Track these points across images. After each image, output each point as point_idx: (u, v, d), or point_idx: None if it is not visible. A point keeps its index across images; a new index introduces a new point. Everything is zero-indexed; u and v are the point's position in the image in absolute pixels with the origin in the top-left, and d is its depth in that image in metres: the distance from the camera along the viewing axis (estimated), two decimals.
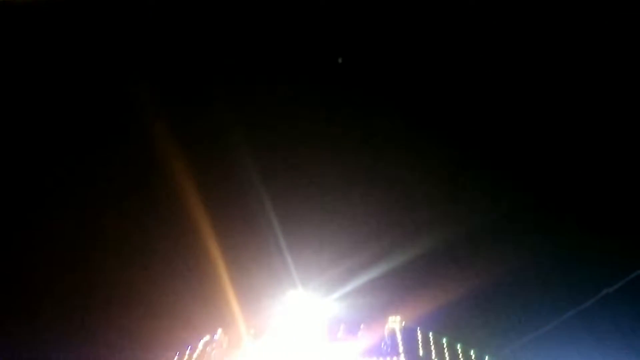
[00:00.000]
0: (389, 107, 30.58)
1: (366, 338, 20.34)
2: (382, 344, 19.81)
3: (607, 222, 27.60)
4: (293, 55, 31.15)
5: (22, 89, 29.92)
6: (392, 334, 20.25)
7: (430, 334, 20.16)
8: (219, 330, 22.16)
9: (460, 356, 18.82)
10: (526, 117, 30.01)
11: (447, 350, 19.30)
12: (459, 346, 19.18)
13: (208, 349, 21.39)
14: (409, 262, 25.82)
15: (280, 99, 30.71)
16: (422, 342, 19.96)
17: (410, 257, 25.60)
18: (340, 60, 29.75)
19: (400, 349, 19.27)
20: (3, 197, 28.91)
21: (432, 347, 19.65)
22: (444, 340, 19.61)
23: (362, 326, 21.06)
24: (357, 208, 30.88)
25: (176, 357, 20.82)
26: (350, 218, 30.24)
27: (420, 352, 19.59)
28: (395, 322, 20.75)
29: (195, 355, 20.87)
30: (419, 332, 20.24)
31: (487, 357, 18.14)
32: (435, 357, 19.31)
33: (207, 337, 21.78)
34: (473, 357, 18.48)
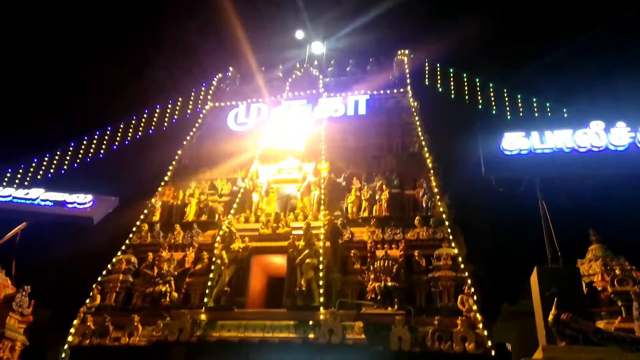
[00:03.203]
0: None
1: (375, 72, 20.75)
2: (390, 76, 20.30)
3: None
4: None
5: None
6: (401, 67, 20.59)
7: (438, 65, 20.49)
8: (231, 69, 22.70)
9: (465, 85, 19.42)
10: None
11: (453, 79, 19.85)
12: (464, 75, 19.65)
13: (222, 85, 22.25)
14: None
15: None
16: (429, 73, 20.45)
17: None
18: None
19: (408, 80, 19.82)
20: None
21: (439, 78, 20.21)
22: (451, 70, 20.00)
23: (371, 60, 21.28)
24: None
25: (193, 94, 21.89)
26: None
27: (427, 82, 20.27)
28: (403, 56, 20.90)
29: (210, 92, 21.86)
30: (426, 63, 20.55)
31: (490, 84, 18.72)
32: (441, 87, 20.02)
33: (219, 75, 22.47)
34: (478, 86, 19.08)
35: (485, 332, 12.63)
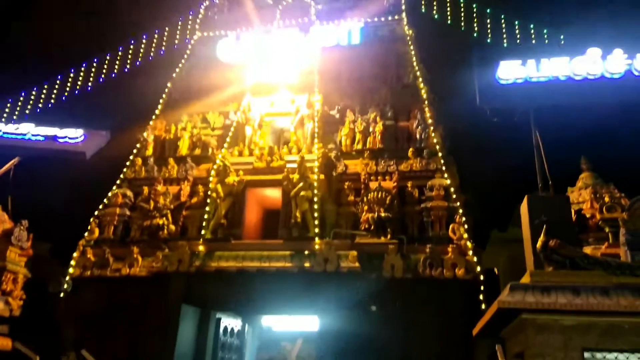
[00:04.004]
0: None
1: None
2: (385, 2, 19.55)
3: None
4: None
5: None
6: None
7: None
8: None
9: (462, 11, 18.80)
10: None
11: (450, 5, 19.18)
12: (461, 0, 18.98)
13: (210, 13, 21.42)
14: None
15: None
16: None
17: None
18: None
19: (403, 7, 19.13)
20: None
21: (434, 3, 19.54)
22: None
23: None
24: None
25: (180, 22, 21.12)
26: None
27: (423, 9, 19.62)
28: None
29: (198, 21, 21.08)
30: None
31: (488, 10, 18.14)
32: (437, 13, 19.39)
33: (206, 2, 21.57)
34: (474, 11, 18.44)
35: (475, 259, 13.07)
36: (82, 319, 13.98)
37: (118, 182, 16.47)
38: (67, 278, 14.59)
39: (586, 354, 7.26)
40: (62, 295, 14.60)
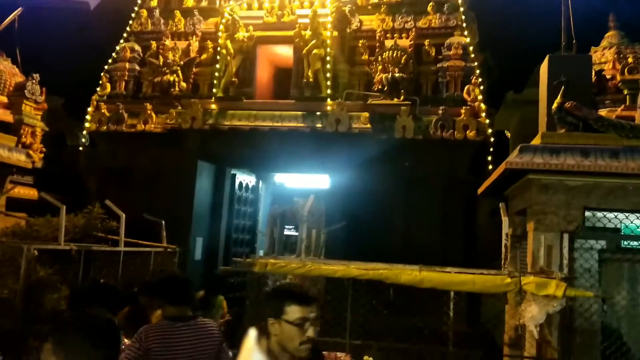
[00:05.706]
0: None
1: None
2: None
3: None
4: None
5: None
6: None
7: None
8: None
9: None
10: None
11: None
12: None
13: None
14: None
15: None
16: None
17: None
18: None
19: None
20: None
21: None
22: None
23: None
24: None
25: None
26: None
27: None
28: None
29: None
30: None
31: None
32: None
33: None
34: None
35: (487, 121, 13.02)
36: (103, 171, 14.56)
37: (125, 35, 15.98)
38: (84, 132, 14.91)
39: (587, 213, 7.55)
40: (81, 148, 15.04)
